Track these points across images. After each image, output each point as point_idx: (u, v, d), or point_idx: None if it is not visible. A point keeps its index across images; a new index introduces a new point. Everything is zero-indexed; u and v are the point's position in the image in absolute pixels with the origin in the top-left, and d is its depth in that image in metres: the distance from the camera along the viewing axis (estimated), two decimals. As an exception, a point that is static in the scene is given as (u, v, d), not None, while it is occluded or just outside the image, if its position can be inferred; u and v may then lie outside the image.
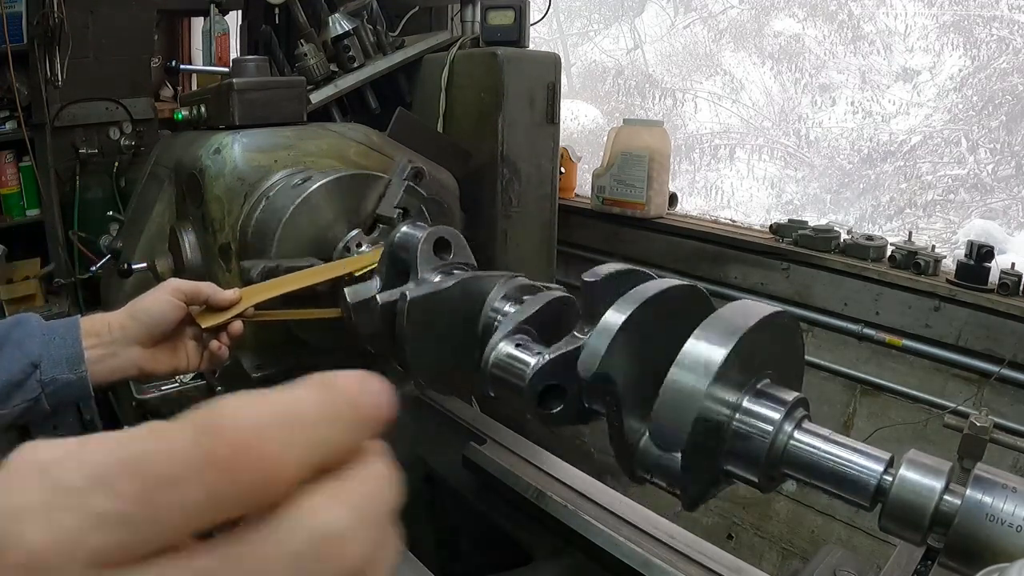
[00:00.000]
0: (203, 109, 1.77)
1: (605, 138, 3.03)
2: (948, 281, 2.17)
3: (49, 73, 2.63)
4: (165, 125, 2.96)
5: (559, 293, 1.00)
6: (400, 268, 1.09)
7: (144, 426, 0.24)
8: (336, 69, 2.27)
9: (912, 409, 2.31)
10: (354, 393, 0.26)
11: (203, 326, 1.04)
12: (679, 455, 0.65)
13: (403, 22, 2.62)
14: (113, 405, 2.91)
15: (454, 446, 1.36)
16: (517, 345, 0.90)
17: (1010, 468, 2.04)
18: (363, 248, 1.27)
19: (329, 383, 0.26)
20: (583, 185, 3.44)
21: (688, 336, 0.67)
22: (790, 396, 0.69)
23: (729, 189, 6.47)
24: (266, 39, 2.38)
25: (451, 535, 1.33)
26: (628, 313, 0.77)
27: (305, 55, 2.19)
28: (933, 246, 2.32)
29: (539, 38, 4.66)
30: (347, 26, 2.23)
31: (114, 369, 0.94)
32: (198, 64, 3.45)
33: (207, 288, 1.04)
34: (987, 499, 0.57)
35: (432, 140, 2.02)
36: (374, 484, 0.25)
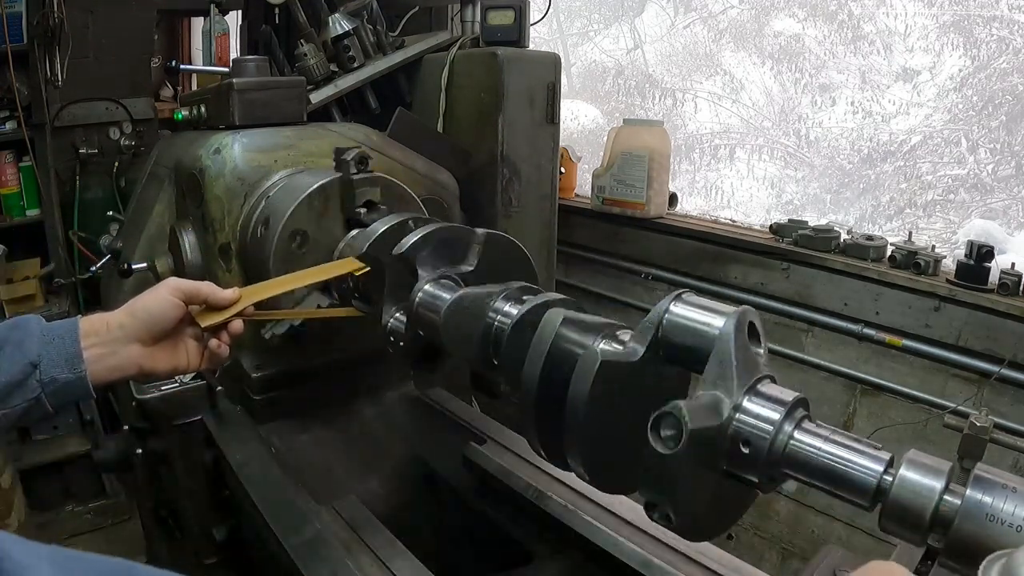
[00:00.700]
0: (203, 109, 1.77)
1: (605, 138, 3.03)
2: (948, 281, 2.17)
3: (49, 73, 2.63)
4: (165, 125, 2.96)
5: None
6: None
7: None
8: (336, 69, 2.27)
9: (912, 409, 2.31)
10: None
11: (203, 325, 1.03)
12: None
13: (403, 22, 2.62)
14: (113, 405, 2.92)
15: (454, 446, 1.36)
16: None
17: (1010, 468, 2.04)
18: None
19: None
20: (583, 185, 3.44)
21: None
22: (790, 396, 0.68)
23: (729, 189, 6.47)
24: (266, 39, 2.38)
25: (451, 535, 1.33)
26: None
27: (305, 55, 2.19)
28: (933, 246, 2.32)
29: (539, 38, 4.66)
30: (347, 26, 2.23)
31: (113, 368, 0.94)
32: (198, 64, 3.46)
33: (206, 287, 1.04)
34: (987, 499, 0.57)
35: (432, 140, 2.02)
36: None
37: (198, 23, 3.48)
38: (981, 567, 0.48)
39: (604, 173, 2.95)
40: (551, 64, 2.28)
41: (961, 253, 2.20)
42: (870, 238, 2.41)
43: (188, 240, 1.57)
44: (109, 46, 2.80)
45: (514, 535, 1.21)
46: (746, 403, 0.68)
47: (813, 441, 0.66)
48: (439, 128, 2.30)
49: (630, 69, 7.21)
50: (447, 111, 2.31)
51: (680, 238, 2.85)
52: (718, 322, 0.70)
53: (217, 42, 3.35)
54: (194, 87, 3.39)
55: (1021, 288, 2.08)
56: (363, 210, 1.34)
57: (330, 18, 2.25)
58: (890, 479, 0.61)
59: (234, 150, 1.50)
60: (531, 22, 2.38)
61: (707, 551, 1.05)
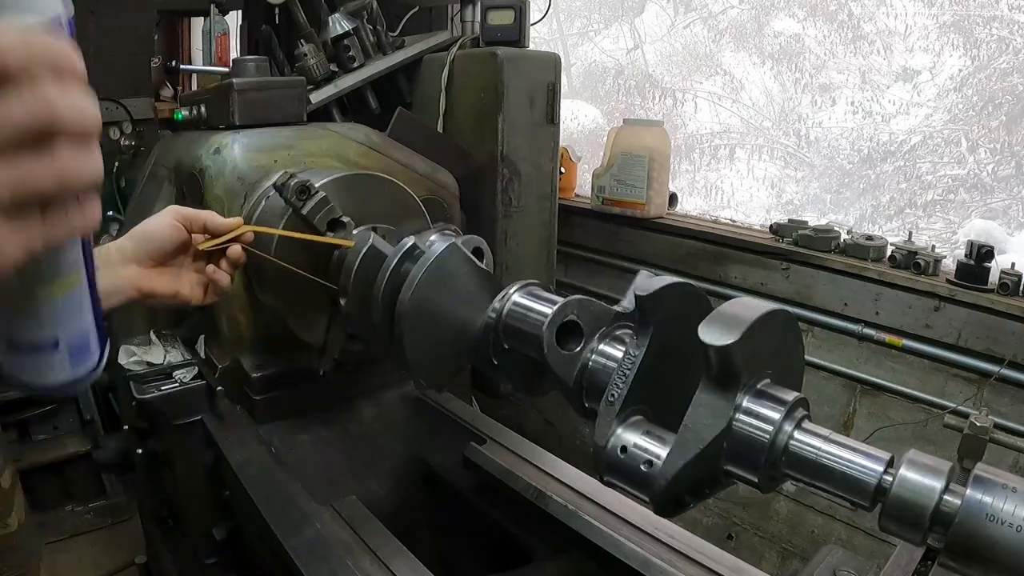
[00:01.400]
0: (203, 109, 1.77)
1: (605, 138, 3.03)
2: (948, 281, 2.17)
3: (49, 73, 2.62)
4: (165, 125, 2.96)
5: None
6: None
7: None
8: (336, 69, 2.27)
9: (912, 409, 2.31)
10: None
11: (201, 247, 1.05)
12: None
13: (403, 22, 2.63)
14: (113, 405, 2.92)
15: (454, 446, 1.36)
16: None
17: (1010, 468, 2.04)
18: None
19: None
20: (583, 185, 3.44)
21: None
22: (790, 396, 0.69)
23: (729, 189, 6.47)
24: (266, 39, 2.38)
25: (451, 535, 1.33)
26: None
27: (305, 55, 2.19)
28: (933, 246, 2.32)
29: (539, 38, 4.66)
30: (347, 26, 2.23)
31: (111, 291, 0.94)
32: (198, 64, 3.46)
33: (206, 214, 1.06)
34: (987, 499, 0.57)
35: (432, 140, 2.02)
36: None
37: (198, 23, 3.48)
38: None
39: (604, 173, 2.95)
40: (551, 64, 2.28)
41: (961, 253, 2.20)
42: (870, 238, 2.41)
43: (188, 240, 1.56)
44: (109, 46, 2.80)
45: (514, 535, 1.21)
46: (746, 403, 0.68)
47: (813, 441, 0.66)
48: (439, 128, 2.30)
49: (630, 69, 7.21)
50: (447, 111, 2.31)
51: (680, 238, 2.86)
52: None
53: (217, 42, 3.35)
54: (194, 87, 3.39)
55: (1021, 288, 2.08)
56: (330, 234, 1.29)
57: (330, 18, 2.25)
58: (890, 479, 0.61)
59: (234, 150, 1.50)
60: (531, 22, 2.38)
61: (707, 551, 1.05)
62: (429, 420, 1.55)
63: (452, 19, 2.84)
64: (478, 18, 2.43)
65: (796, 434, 0.67)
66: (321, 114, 2.25)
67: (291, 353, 1.50)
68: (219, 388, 1.48)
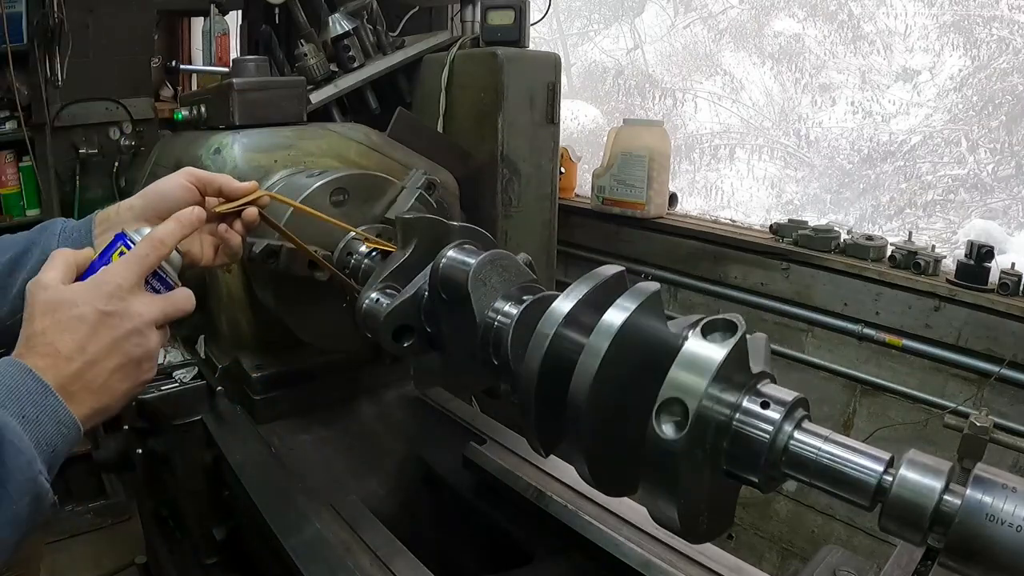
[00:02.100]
0: (203, 109, 1.77)
1: (605, 138, 3.03)
2: (948, 281, 2.17)
3: (49, 73, 2.63)
4: (165, 125, 2.96)
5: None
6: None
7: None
8: (336, 69, 2.27)
9: (912, 409, 2.31)
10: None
11: (217, 211, 1.02)
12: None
13: (403, 22, 2.63)
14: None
15: (454, 446, 1.36)
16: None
17: (1010, 468, 2.04)
18: (362, 248, 1.26)
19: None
20: (583, 185, 3.44)
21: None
22: (790, 396, 0.68)
23: (729, 189, 6.46)
24: (266, 39, 2.38)
25: (451, 535, 1.33)
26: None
27: (305, 55, 2.19)
28: (933, 246, 2.32)
29: (539, 38, 4.66)
30: (347, 26, 2.23)
31: None
32: (198, 64, 3.46)
33: (222, 178, 1.03)
34: (987, 499, 0.57)
35: (432, 140, 2.02)
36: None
37: (198, 23, 3.48)
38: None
39: (604, 173, 2.95)
40: (551, 64, 2.28)
41: (961, 253, 2.20)
42: (870, 238, 2.41)
43: (188, 240, 1.56)
44: (109, 46, 2.80)
45: (514, 535, 1.21)
46: (746, 403, 0.68)
47: (813, 441, 0.66)
48: (439, 128, 2.30)
49: (630, 69, 7.20)
50: (447, 111, 2.31)
51: (680, 238, 2.86)
52: None
53: (217, 42, 3.35)
54: (194, 87, 3.38)
55: (1021, 288, 2.08)
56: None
57: (330, 18, 2.25)
58: (890, 479, 0.61)
59: (234, 150, 1.50)
60: (531, 22, 2.39)
61: (707, 551, 1.05)
62: (429, 420, 1.55)
63: (452, 19, 2.84)
64: (478, 18, 2.43)
65: (796, 434, 0.67)
66: (321, 114, 2.25)
67: (291, 353, 1.50)
68: (219, 388, 1.48)
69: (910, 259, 2.26)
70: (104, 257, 0.81)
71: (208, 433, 1.40)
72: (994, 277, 2.12)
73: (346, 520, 1.12)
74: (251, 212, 1.05)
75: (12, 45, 2.60)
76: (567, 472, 1.25)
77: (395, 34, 2.50)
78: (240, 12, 3.05)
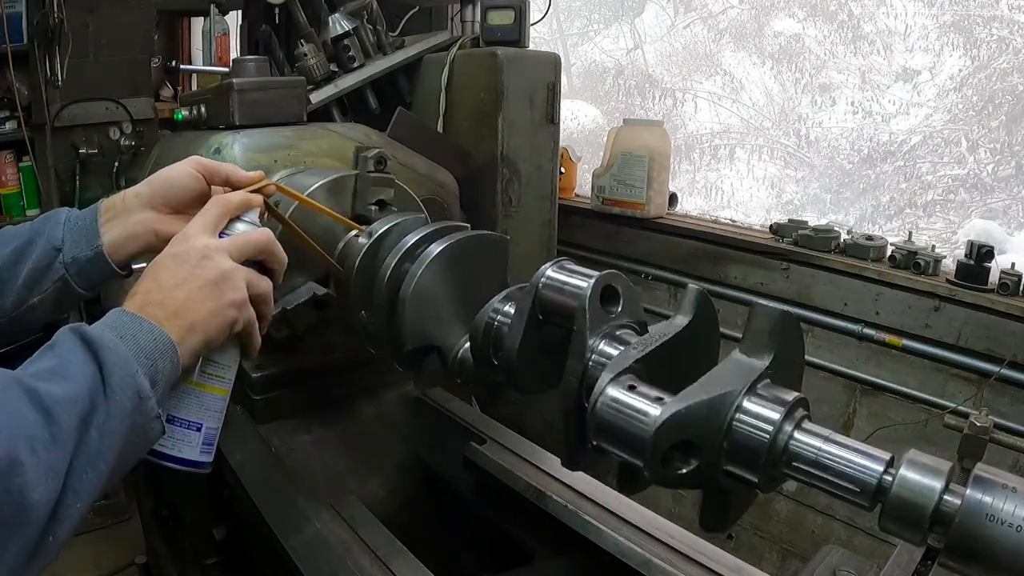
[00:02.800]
0: (203, 109, 1.77)
1: (605, 138, 3.03)
2: (948, 281, 2.17)
3: (49, 73, 2.63)
4: (165, 125, 2.96)
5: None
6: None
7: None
8: (336, 69, 2.27)
9: (912, 409, 2.31)
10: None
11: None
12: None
13: (403, 22, 2.63)
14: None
15: (454, 446, 1.36)
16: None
17: (1010, 468, 2.04)
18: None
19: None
20: (583, 185, 3.44)
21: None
22: (790, 396, 0.69)
23: (729, 189, 6.46)
24: (266, 39, 2.38)
25: (451, 535, 1.33)
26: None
27: (305, 55, 2.19)
28: (933, 246, 2.32)
29: (539, 38, 4.66)
30: (347, 26, 2.24)
31: (128, 236, 0.94)
32: (198, 64, 3.45)
33: (228, 167, 1.03)
34: (987, 499, 0.57)
35: (432, 140, 2.02)
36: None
37: (198, 23, 3.48)
38: None
39: (604, 173, 2.95)
40: (551, 64, 2.29)
41: (961, 253, 2.20)
42: (870, 238, 2.41)
43: (188, 240, 1.56)
44: (109, 46, 2.80)
45: (514, 535, 1.21)
46: (746, 403, 0.68)
47: (813, 441, 0.66)
48: (439, 128, 2.30)
49: (630, 69, 7.20)
50: (447, 111, 2.31)
51: (680, 238, 2.86)
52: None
53: (217, 42, 3.35)
54: (194, 87, 3.38)
55: (1021, 288, 2.08)
56: (374, 207, 1.34)
57: (330, 18, 2.25)
58: (890, 479, 0.61)
59: (234, 150, 1.50)
60: (531, 22, 2.39)
61: (707, 551, 1.05)
62: (429, 420, 1.55)
63: (452, 19, 2.84)
64: (478, 18, 2.44)
65: (796, 434, 0.67)
66: (321, 114, 2.25)
67: (291, 353, 1.50)
68: (219, 388, 1.47)
69: (910, 259, 2.26)
70: None
71: (208, 433, 1.40)
72: (994, 277, 2.12)
73: (346, 520, 1.12)
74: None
75: (12, 45, 2.60)
76: (567, 472, 1.25)
77: (395, 34, 2.50)
78: (240, 12, 3.05)
